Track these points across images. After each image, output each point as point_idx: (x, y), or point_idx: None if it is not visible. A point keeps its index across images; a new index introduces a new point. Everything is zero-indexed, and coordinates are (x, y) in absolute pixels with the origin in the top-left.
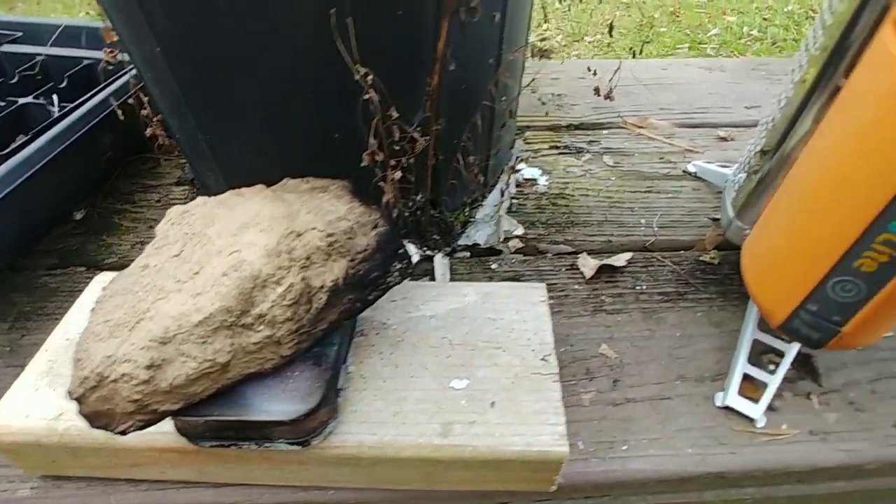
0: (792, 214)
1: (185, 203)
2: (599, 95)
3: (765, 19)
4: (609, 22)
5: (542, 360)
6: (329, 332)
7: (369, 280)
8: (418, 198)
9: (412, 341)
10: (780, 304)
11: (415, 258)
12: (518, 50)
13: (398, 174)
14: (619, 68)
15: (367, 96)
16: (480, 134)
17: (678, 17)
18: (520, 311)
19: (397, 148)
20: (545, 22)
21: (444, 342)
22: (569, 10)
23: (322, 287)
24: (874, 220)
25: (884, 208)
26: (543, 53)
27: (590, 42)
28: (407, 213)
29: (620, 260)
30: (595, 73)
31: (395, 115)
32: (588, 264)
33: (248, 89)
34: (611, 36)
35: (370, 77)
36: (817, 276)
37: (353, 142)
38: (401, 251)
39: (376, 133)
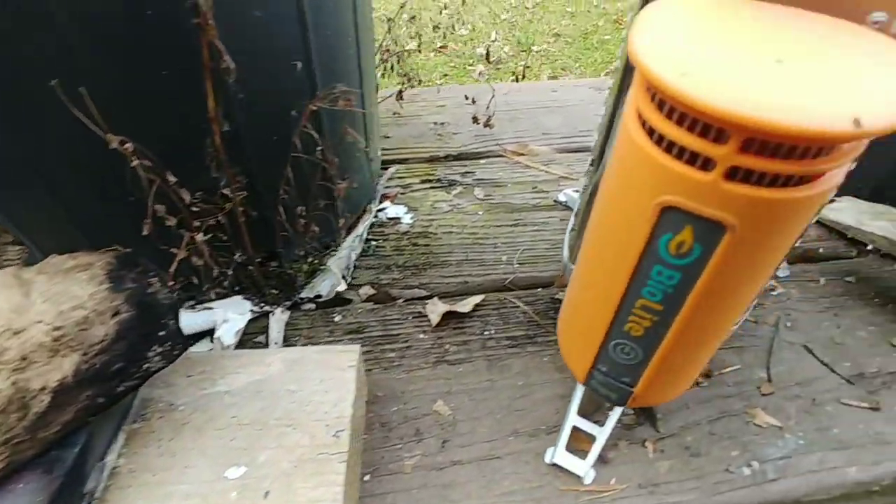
0: (578, 276)
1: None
2: (478, 123)
3: None
4: (555, 31)
5: (334, 436)
6: (66, 433)
7: (112, 372)
8: (235, 256)
9: (198, 424)
10: (578, 365)
11: (239, 322)
12: (339, 94)
13: (200, 235)
14: (493, 96)
15: (133, 163)
16: (301, 186)
17: (621, 24)
18: (325, 379)
19: (196, 210)
20: (494, 34)
21: (233, 422)
22: (515, 21)
23: (44, 388)
24: (628, 287)
25: (631, 276)
26: (492, 63)
27: (537, 52)
28: (229, 272)
29: (468, 305)
30: (473, 101)
31: (172, 179)
32: (436, 310)
33: (27, 154)
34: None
35: (128, 145)
36: (599, 339)
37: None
38: (162, 333)
39: (164, 198)
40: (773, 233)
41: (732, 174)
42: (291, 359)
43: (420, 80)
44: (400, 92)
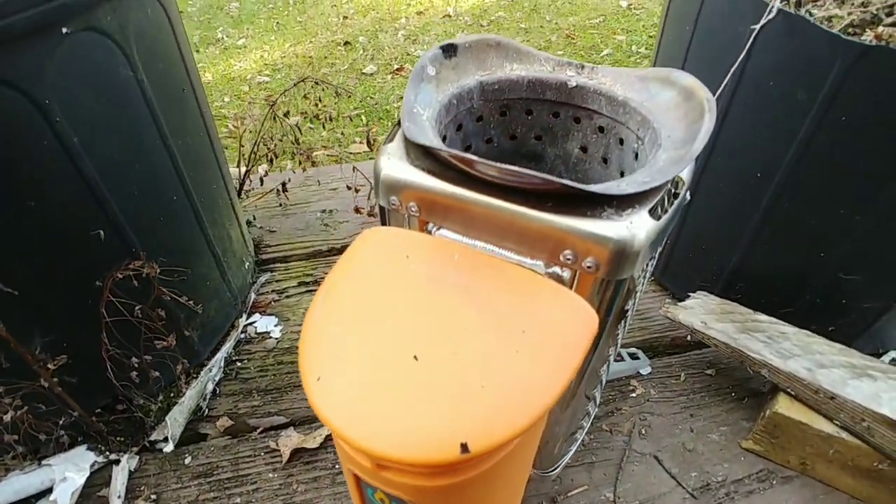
0: None
1: None
2: (361, 214)
3: (650, 37)
4: None
5: None
6: None
7: None
8: (61, 421)
9: None
10: None
11: (78, 481)
12: (137, 268)
13: (8, 415)
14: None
15: None
16: (129, 341)
17: (573, 39)
18: None
19: None
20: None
21: None
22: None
23: None
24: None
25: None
26: None
27: None
28: (62, 432)
29: (319, 438)
30: (356, 191)
31: None
32: (289, 444)
33: None
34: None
35: None
36: None
37: None
38: None
39: None
40: (460, 501)
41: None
42: None
43: (313, 162)
44: (283, 185)
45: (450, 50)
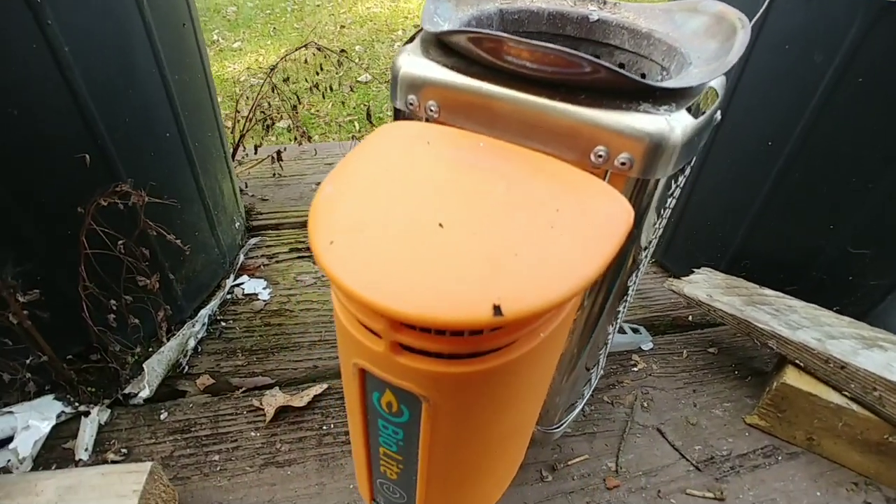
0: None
1: None
2: None
3: None
4: None
5: None
6: None
7: None
8: (28, 360)
9: None
10: (364, 494)
11: (41, 429)
12: (124, 192)
13: None
14: None
15: None
16: (110, 280)
17: None
18: None
19: None
20: None
21: None
22: None
23: None
24: (367, 435)
25: (365, 426)
26: None
27: None
28: (27, 376)
29: (306, 398)
30: None
31: None
32: (273, 403)
33: None
34: None
35: None
36: (366, 473)
37: None
38: None
39: None
40: (475, 402)
41: (407, 347)
42: (66, 485)
43: (310, 137)
44: (279, 153)
45: None
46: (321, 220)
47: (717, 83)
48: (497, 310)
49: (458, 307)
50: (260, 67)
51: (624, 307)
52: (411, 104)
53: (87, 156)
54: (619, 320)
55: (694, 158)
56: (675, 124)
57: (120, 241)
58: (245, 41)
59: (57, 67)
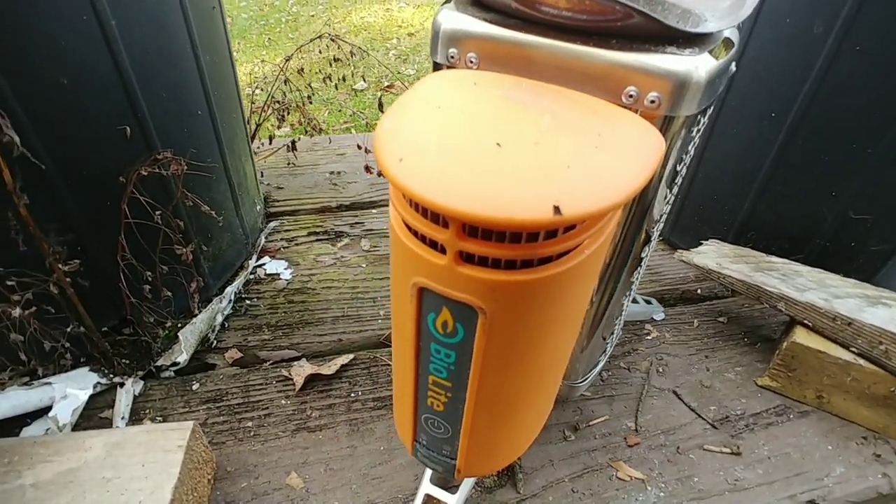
0: (392, 350)
1: None
2: (371, 173)
3: None
4: None
5: None
6: None
7: None
8: (69, 329)
9: None
10: (404, 436)
11: (80, 398)
12: (166, 160)
13: (17, 311)
14: None
15: None
16: (147, 251)
17: None
18: (147, 463)
19: (11, 284)
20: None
21: None
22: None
23: None
24: (417, 364)
25: (416, 354)
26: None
27: None
28: (66, 345)
29: (333, 367)
30: (367, 151)
31: None
32: (302, 373)
33: None
34: None
35: None
36: (411, 412)
37: None
38: None
39: None
40: (527, 313)
41: (469, 258)
42: (113, 442)
43: (321, 130)
44: (293, 143)
45: None
46: (387, 144)
47: (733, 35)
48: (557, 210)
49: (522, 208)
50: (256, 77)
51: (637, 278)
52: (452, 57)
53: (128, 128)
54: (632, 291)
55: (712, 108)
56: (700, 64)
57: (157, 212)
58: (241, 52)
59: (104, 41)
